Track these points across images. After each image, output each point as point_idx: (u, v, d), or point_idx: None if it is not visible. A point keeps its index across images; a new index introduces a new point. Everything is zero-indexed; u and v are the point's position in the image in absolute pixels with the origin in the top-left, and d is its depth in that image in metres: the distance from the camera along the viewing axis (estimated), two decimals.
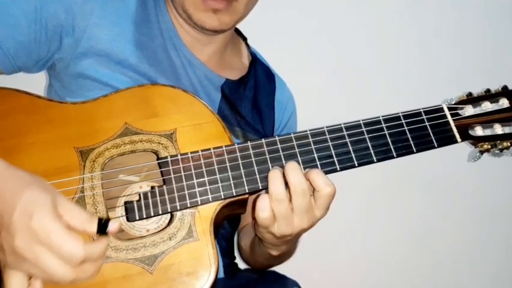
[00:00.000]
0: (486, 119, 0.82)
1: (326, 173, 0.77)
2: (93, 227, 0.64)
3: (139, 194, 0.74)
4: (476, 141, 0.82)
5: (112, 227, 0.65)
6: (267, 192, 0.73)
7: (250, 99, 1.03)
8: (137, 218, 0.73)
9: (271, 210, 0.71)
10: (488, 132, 0.82)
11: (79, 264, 0.61)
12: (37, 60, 0.89)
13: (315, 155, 0.77)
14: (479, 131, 0.82)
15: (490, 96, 0.84)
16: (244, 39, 1.12)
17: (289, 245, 0.82)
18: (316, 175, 0.72)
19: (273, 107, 1.07)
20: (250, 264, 0.98)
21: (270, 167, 0.76)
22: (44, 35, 0.86)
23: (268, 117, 1.05)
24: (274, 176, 0.72)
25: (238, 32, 1.12)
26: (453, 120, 0.81)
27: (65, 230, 0.60)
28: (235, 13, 0.92)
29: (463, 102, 0.83)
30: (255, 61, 1.09)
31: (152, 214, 0.73)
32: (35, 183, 0.63)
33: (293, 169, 0.72)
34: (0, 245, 0.61)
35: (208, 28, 0.91)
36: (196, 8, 0.90)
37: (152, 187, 0.75)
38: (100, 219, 0.65)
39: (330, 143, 0.78)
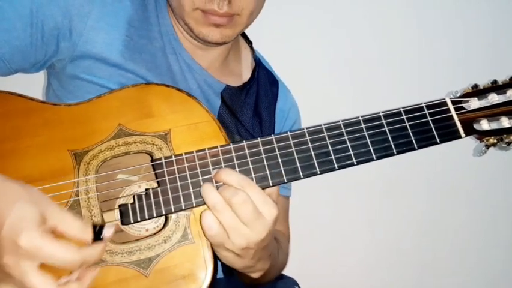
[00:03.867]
0: (492, 112, 0.79)
1: (324, 171, 0.76)
2: (88, 235, 0.64)
3: (133, 197, 0.73)
4: (482, 135, 0.79)
5: (107, 232, 0.65)
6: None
7: (251, 105, 1.00)
8: (132, 221, 0.72)
9: (218, 223, 0.69)
10: (494, 125, 0.79)
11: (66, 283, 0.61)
12: (34, 63, 0.88)
13: (312, 153, 0.75)
14: (484, 125, 0.79)
15: (496, 87, 0.80)
16: (250, 43, 1.09)
17: (264, 261, 0.78)
18: (227, 175, 0.71)
19: (273, 115, 1.04)
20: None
21: (266, 166, 0.74)
22: (41, 39, 0.84)
23: (268, 125, 1.02)
24: (207, 189, 0.70)
25: (243, 35, 1.08)
26: (457, 114, 0.78)
27: (54, 242, 0.60)
28: (237, 26, 0.90)
29: (468, 94, 0.80)
30: (258, 66, 1.06)
31: (146, 217, 0.72)
32: (25, 197, 0.62)
33: (224, 188, 0.70)
34: None
35: (209, 41, 0.89)
36: (198, 22, 0.87)
37: (147, 189, 0.74)
38: (94, 226, 0.65)
39: (327, 141, 0.76)
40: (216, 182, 0.72)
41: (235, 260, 0.73)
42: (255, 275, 0.80)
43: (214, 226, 0.69)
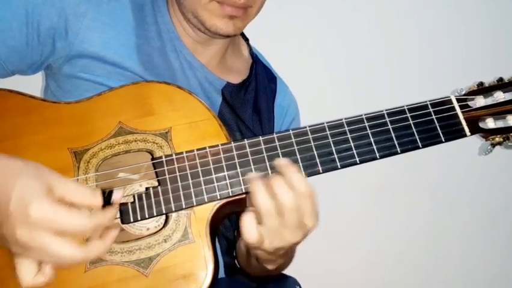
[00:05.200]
0: (498, 110, 0.78)
1: (326, 170, 0.75)
2: (97, 200, 0.63)
3: (133, 196, 0.73)
4: (487, 134, 0.77)
5: (116, 196, 0.66)
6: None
7: (251, 102, 0.99)
8: (132, 220, 0.72)
9: (259, 232, 0.67)
10: (500, 124, 0.78)
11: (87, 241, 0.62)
12: (31, 64, 0.87)
13: (315, 153, 0.74)
14: (490, 123, 0.77)
15: (503, 85, 0.79)
16: (246, 39, 1.09)
17: (285, 257, 0.79)
18: (293, 174, 0.67)
19: (272, 111, 1.03)
20: (246, 273, 0.95)
21: (268, 165, 0.73)
22: (36, 39, 0.84)
23: (268, 121, 1.01)
24: (258, 189, 0.67)
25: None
26: (462, 112, 0.77)
27: (65, 209, 0.60)
28: (248, 18, 0.90)
29: (473, 92, 0.79)
30: (256, 63, 1.06)
31: (147, 216, 0.72)
32: (29, 170, 0.62)
33: (280, 187, 0.66)
34: (3, 236, 0.61)
35: (222, 34, 0.88)
36: (212, 13, 0.86)
37: (147, 188, 0.73)
38: (103, 191, 0.65)
39: (330, 140, 0.75)
40: (272, 169, 0.71)
41: (264, 254, 0.73)
42: (271, 266, 0.80)
43: (255, 235, 0.67)
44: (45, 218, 0.59)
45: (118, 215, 0.73)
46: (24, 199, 0.59)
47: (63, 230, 0.60)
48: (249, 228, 0.67)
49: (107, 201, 0.64)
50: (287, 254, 0.78)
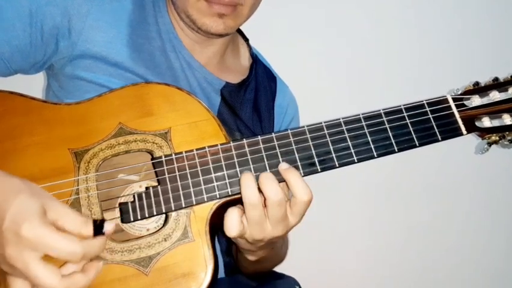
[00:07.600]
0: (494, 109, 0.79)
1: (324, 169, 0.75)
2: (89, 229, 0.63)
3: (134, 195, 0.73)
4: (484, 133, 0.78)
5: (108, 227, 0.65)
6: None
7: (250, 101, 1.00)
8: (132, 219, 0.72)
9: (241, 227, 0.70)
10: (496, 123, 0.78)
11: (69, 276, 0.61)
12: (34, 63, 0.88)
13: (313, 152, 0.75)
14: (486, 122, 0.78)
15: (498, 85, 0.80)
16: (246, 40, 1.09)
17: (265, 250, 0.80)
18: (296, 180, 0.70)
19: (272, 111, 1.04)
20: (240, 269, 0.96)
21: (267, 164, 0.74)
22: (40, 39, 0.85)
23: (268, 121, 1.02)
24: (247, 182, 0.70)
25: (239, 33, 1.09)
26: (458, 111, 0.77)
27: (57, 233, 0.60)
28: (240, 17, 0.90)
29: (469, 92, 0.80)
30: (256, 63, 1.06)
31: (146, 215, 0.72)
32: (25, 191, 0.62)
33: (268, 181, 0.69)
34: None
35: (213, 33, 0.89)
36: (201, 12, 0.87)
37: (147, 188, 0.74)
38: (94, 221, 0.64)
39: (328, 139, 0.75)
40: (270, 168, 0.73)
41: (244, 244, 0.75)
42: (251, 258, 0.82)
43: (235, 229, 0.69)
44: (35, 239, 0.58)
45: (118, 214, 0.73)
46: (17, 219, 0.59)
47: (52, 253, 0.59)
48: (231, 222, 0.70)
49: (98, 230, 0.64)
50: (268, 246, 0.79)
